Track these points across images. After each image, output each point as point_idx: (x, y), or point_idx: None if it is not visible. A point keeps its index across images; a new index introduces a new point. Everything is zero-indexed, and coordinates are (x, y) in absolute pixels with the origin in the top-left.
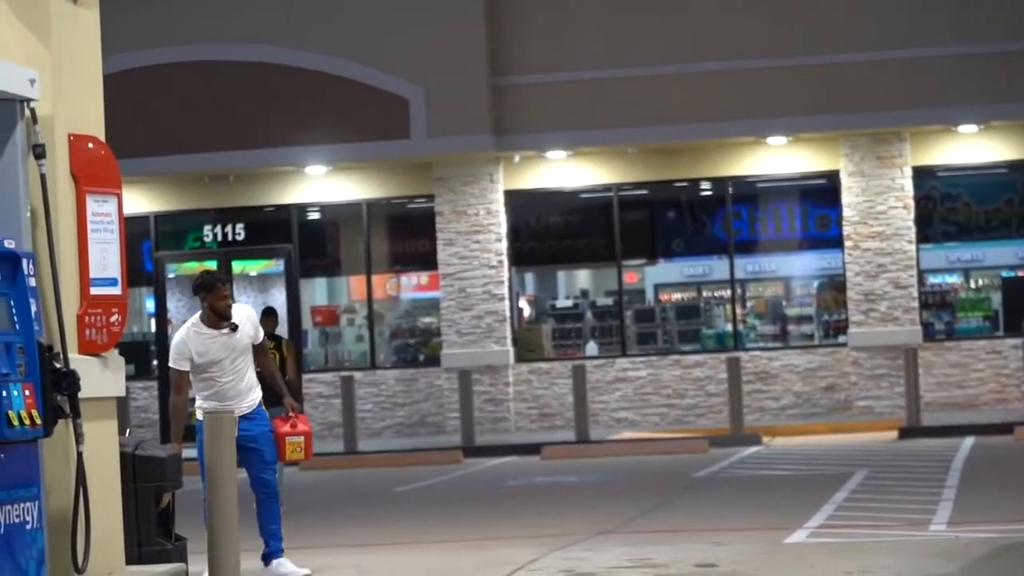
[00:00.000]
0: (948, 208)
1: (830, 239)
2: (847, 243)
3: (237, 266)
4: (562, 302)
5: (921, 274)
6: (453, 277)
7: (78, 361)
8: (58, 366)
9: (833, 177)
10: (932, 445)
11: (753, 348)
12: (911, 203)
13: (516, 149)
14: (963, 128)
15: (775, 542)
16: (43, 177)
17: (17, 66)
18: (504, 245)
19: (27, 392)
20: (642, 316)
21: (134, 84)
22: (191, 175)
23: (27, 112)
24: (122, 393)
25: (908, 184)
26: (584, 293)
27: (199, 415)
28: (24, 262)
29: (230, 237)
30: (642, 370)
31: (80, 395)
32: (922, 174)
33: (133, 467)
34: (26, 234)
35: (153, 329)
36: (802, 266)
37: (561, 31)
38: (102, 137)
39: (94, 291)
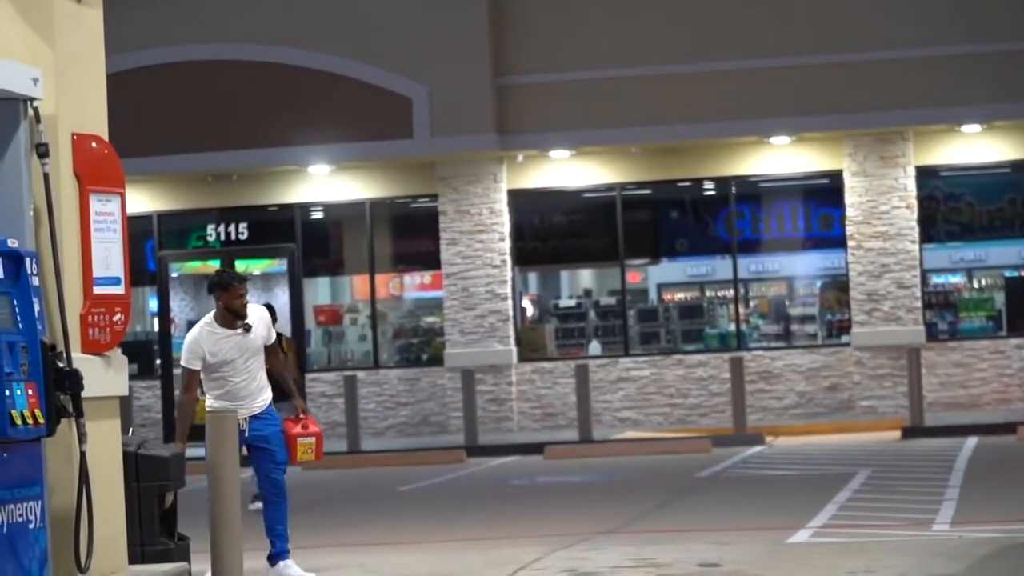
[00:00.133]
0: (951, 208)
1: (833, 239)
2: (850, 243)
3: (240, 265)
4: (565, 301)
5: (924, 274)
6: (456, 277)
7: (81, 360)
8: (61, 365)
9: (836, 177)
10: (935, 445)
11: (756, 348)
12: (914, 203)
13: (519, 148)
14: (966, 128)
15: (778, 542)
16: (46, 176)
17: (21, 65)
18: (507, 244)
19: (30, 391)
20: (645, 316)
21: (137, 83)
22: (194, 174)
23: (30, 111)
24: (125, 392)
25: (911, 184)
26: (587, 292)
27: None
28: (27, 261)
29: (233, 236)
30: (645, 370)
31: (83, 394)
32: (925, 174)
33: (136, 466)
34: (29, 233)
35: (156, 328)
36: (805, 266)
37: (564, 30)
38: (105, 136)
39: (97, 290)
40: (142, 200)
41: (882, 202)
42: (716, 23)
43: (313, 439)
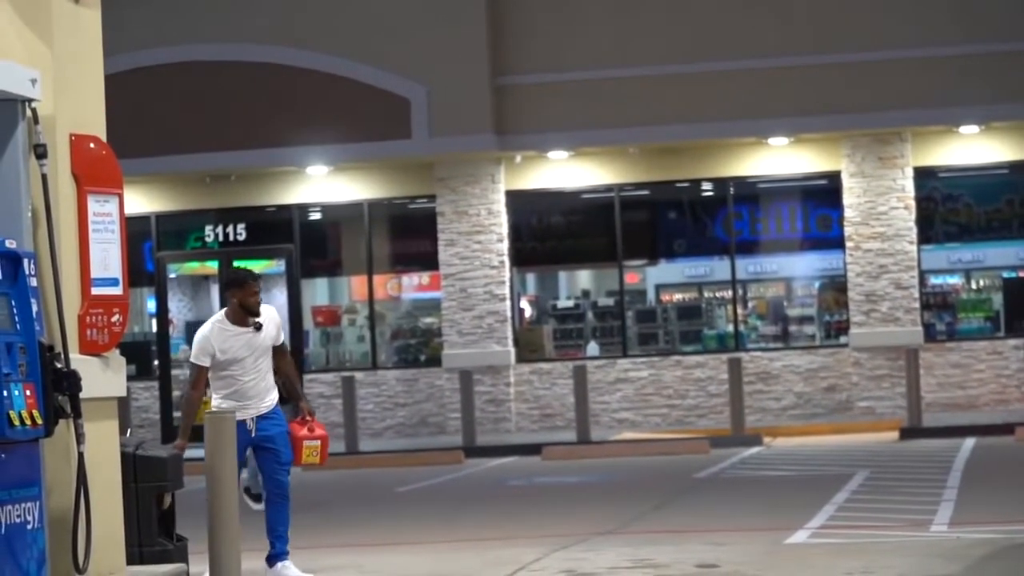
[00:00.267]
0: (949, 209)
1: (831, 240)
2: (848, 244)
3: (238, 266)
4: (563, 302)
5: (922, 275)
6: (454, 277)
7: (79, 361)
8: (59, 366)
9: (834, 178)
10: (933, 446)
11: (754, 349)
12: (912, 204)
13: (518, 149)
14: (964, 129)
15: (776, 542)
16: (44, 177)
17: (19, 66)
18: (505, 245)
19: (28, 392)
20: (643, 316)
21: (135, 84)
22: (192, 175)
23: (28, 112)
24: (123, 393)
25: (909, 185)
26: (585, 293)
27: None
28: (25, 262)
29: (231, 237)
30: (643, 371)
31: (81, 395)
32: (923, 175)
33: (134, 467)
34: (27, 234)
35: (154, 329)
36: (803, 267)
37: (563, 31)
38: (103, 137)
39: (95, 291)
40: (140, 201)
41: (880, 203)
42: (715, 23)
43: (319, 442)
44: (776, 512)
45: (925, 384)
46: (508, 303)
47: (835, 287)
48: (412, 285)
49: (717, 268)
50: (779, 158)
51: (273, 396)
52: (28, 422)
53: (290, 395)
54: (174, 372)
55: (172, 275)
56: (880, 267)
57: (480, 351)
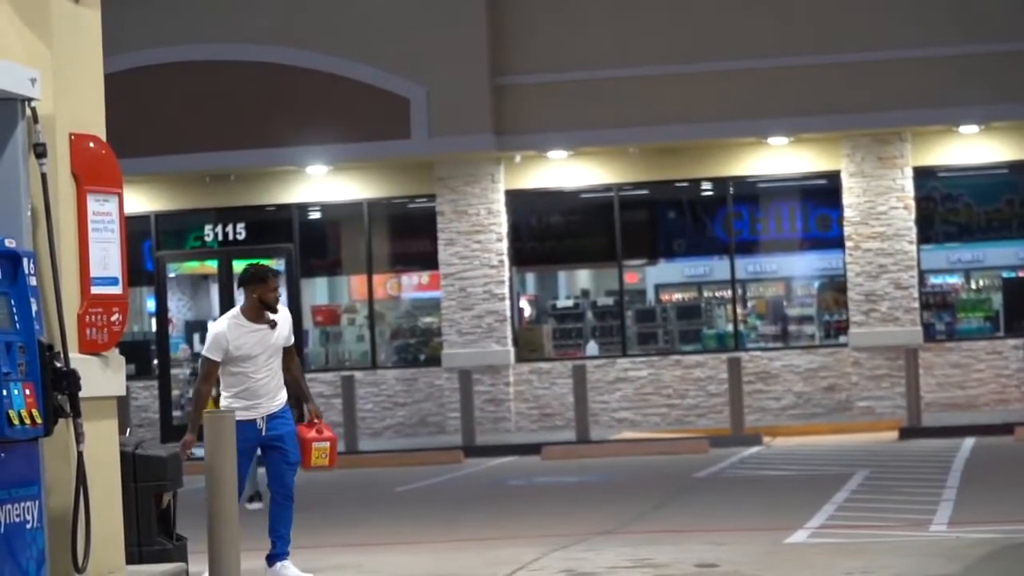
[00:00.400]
0: (949, 209)
1: (831, 239)
2: (848, 243)
3: (238, 266)
4: (563, 302)
5: (922, 275)
6: (454, 277)
7: (79, 360)
8: (59, 365)
9: (834, 177)
10: (932, 445)
11: (754, 348)
12: (912, 203)
13: (517, 149)
14: (964, 128)
15: (776, 542)
16: (44, 176)
17: (18, 65)
18: (505, 245)
19: (27, 391)
20: (643, 316)
21: (135, 83)
22: (192, 175)
23: (28, 111)
24: (123, 392)
25: (909, 184)
26: (585, 293)
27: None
28: (25, 261)
29: (231, 237)
30: (643, 370)
31: (81, 394)
32: (923, 174)
33: (133, 467)
34: (27, 233)
35: (154, 328)
36: (803, 266)
37: (562, 31)
38: (103, 136)
39: (95, 290)
40: (140, 200)
41: (880, 203)
42: (714, 24)
43: (328, 444)
44: (775, 512)
45: (925, 384)
46: (507, 303)
47: (835, 287)
48: (411, 284)
49: (717, 268)
50: (779, 158)
51: (283, 396)
52: (27, 421)
53: (298, 397)
54: (173, 371)
55: (171, 274)
56: (880, 267)
57: (479, 351)
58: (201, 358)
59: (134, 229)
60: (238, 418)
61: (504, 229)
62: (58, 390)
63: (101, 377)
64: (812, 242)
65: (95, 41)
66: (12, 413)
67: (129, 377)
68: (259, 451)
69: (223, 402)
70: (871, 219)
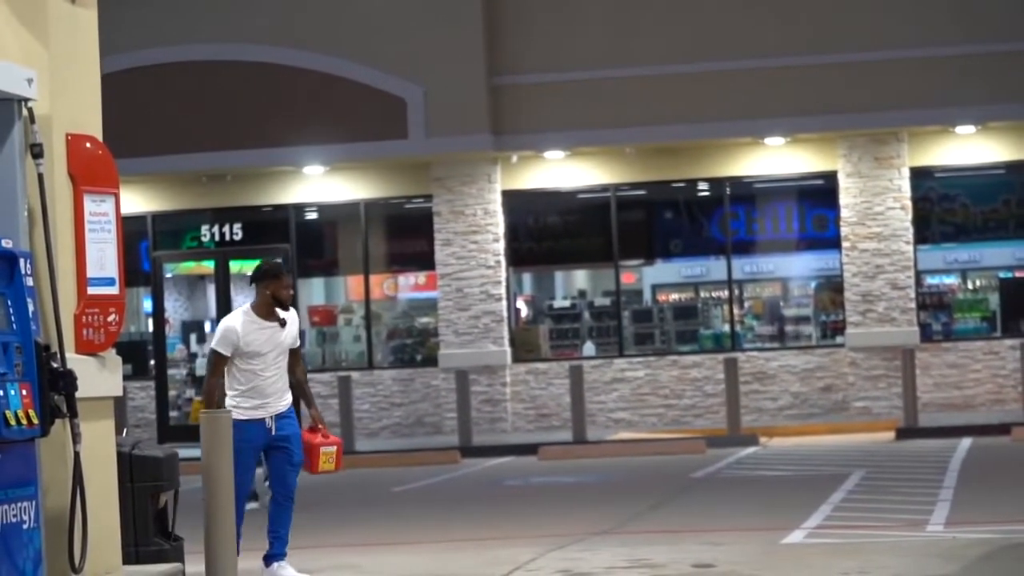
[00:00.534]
0: (946, 209)
1: (828, 240)
2: (845, 244)
3: (235, 266)
4: (559, 302)
5: (919, 275)
6: (451, 277)
7: (75, 361)
8: (55, 366)
9: (831, 178)
10: (929, 446)
11: (751, 349)
12: (909, 204)
13: (514, 149)
14: (961, 129)
15: (772, 542)
16: (40, 177)
17: (15, 65)
18: (502, 245)
19: (24, 392)
20: (639, 316)
21: (132, 84)
22: (189, 175)
23: (25, 111)
24: (119, 393)
25: (906, 185)
26: (582, 293)
27: (233, 414)
28: (21, 261)
29: (228, 237)
30: (639, 370)
31: (77, 395)
32: (920, 175)
33: (130, 467)
34: (23, 233)
35: (150, 329)
36: (800, 267)
37: (559, 31)
38: (100, 137)
39: (91, 291)
40: (136, 200)
41: (876, 203)
42: (712, 24)
43: (334, 448)
44: (772, 512)
45: (921, 384)
46: (504, 303)
47: (831, 287)
48: (408, 285)
49: (713, 268)
50: (775, 158)
51: (289, 397)
52: (24, 422)
53: (303, 401)
54: (170, 372)
55: (168, 275)
56: (876, 267)
57: (476, 351)
58: (209, 351)
59: (131, 229)
60: (247, 417)
61: (501, 229)
62: (55, 390)
63: (98, 377)
64: (809, 242)
65: (92, 41)
66: (9, 413)
67: (126, 377)
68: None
69: (229, 401)
70: (868, 219)
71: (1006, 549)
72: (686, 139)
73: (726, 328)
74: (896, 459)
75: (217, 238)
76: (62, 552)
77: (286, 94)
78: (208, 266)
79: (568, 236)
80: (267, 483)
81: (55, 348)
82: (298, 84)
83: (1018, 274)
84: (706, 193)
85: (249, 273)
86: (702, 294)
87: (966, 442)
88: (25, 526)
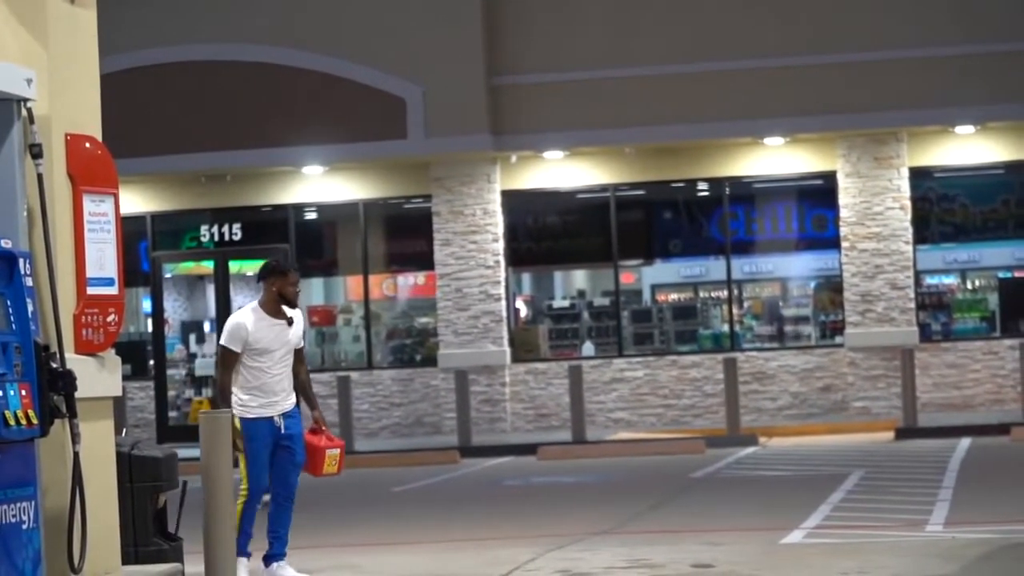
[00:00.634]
0: (945, 209)
1: (827, 240)
2: (844, 244)
3: (234, 266)
4: (559, 302)
5: (918, 275)
6: (450, 277)
7: (75, 361)
8: (55, 366)
9: (830, 178)
10: (929, 446)
11: (750, 349)
12: (908, 204)
13: (513, 149)
14: (960, 129)
15: (772, 542)
16: (40, 177)
17: (14, 65)
18: (501, 245)
19: (24, 392)
20: (639, 316)
21: (131, 84)
22: (188, 175)
23: (24, 112)
24: (119, 393)
25: (905, 185)
26: (581, 293)
27: (241, 412)
28: (21, 262)
29: (227, 237)
30: (639, 370)
31: (77, 395)
32: (919, 175)
33: (129, 467)
34: (23, 233)
35: (150, 329)
36: (799, 267)
37: (559, 31)
38: (99, 137)
39: (91, 291)
40: (136, 200)
41: (876, 203)
42: (711, 24)
43: (338, 451)
44: (772, 512)
45: (921, 384)
46: (504, 303)
47: (831, 287)
48: (407, 285)
49: (713, 268)
50: (775, 158)
51: (294, 396)
52: (24, 422)
53: (306, 402)
54: (169, 372)
55: (168, 275)
56: (876, 267)
57: (476, 351)
58: (220, 349)
59: (130, 229)
60: (255, 416)
61: (500, 229)
62: (54, 391)
63: (97, 377)
64: (808, 242)
65: (91, 41)
66: (8, 414)
67: (125, 377)
68: None
69: (236, 400)
70: (867, 219)
71: (1005, 549)
72: (685, 139)
73: (725, 328)
74: (895, 459)
75: (216, 238)
76: (61, 552)
77: (285, 94)
78: (207, 266)
79: (567, 236)
80: None
81: (54, 348)
82: (297, 84)
83: (1017, 274)
84: (705, 193)
85: (249, 273)
86: (701, 294)
87: (965, 442)
88: (24, 526)
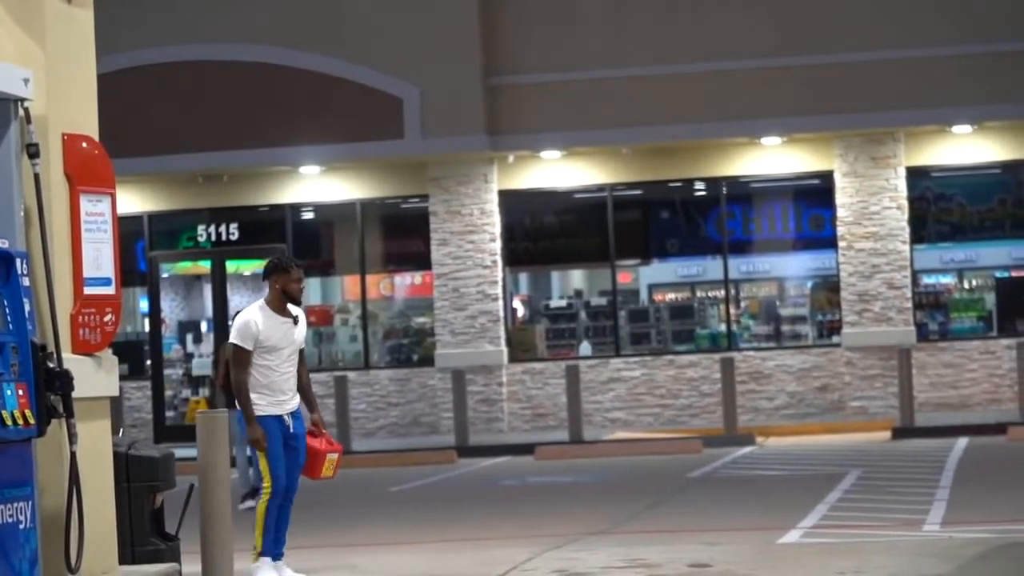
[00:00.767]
0: (942, 208)
1: (824, 239)
2: (841, 243)
3: (231, 266)
4: (556, 302)
5: (915, 274)
6: (447, 277)
7: (72, 361)
8: (52, 366)
9: (827, 177)
10: (925, 445)
11: (747, 348)
12: (905, 203)
13: (510, 149)
14: (957, 128)
15: (769, 542)
16: (37, 177)
17: (11, 65)
18: (498, 245)
19: (21, 392)
20: (636, 316)
21: (128, 83)
22: (185, 175)
23: (21, 111)
24: (116, 393)
25: (902, 184)
26: (578, 293)
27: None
28: (18, 261)
29: (224, 237)
30: (636, 370)
31: (74, 395)
32: (916, 174)
33: (126, 467)
34: (20, 233)
35: (147, 329)
36: (796, 266)
37: (556, 31)
38: (96, 136)
39: (88, 291)
40: (132, 200)
41: (873, 203)
42: (708, 24)
43: (336, 455)
44: (769, 512)
45: (918, 384)
46: (501, 303)
47: (828, 287)
48: (405, 285)
49: (710, 268)
50: (772, 158)
51: (299, 397)
52: (21, 422)
53: (305, 404)
54: (166, 372)
55: (165, 275)
56: (873, 267)
57: (473, 351)
58: (232, 349)
59: (127, 229)
60: (265, 413)
61: (497, 229)
62: (51, 390)
63: (94, 377)
64: (805, 242)
65: (88, 41)
66: (5, 413)
67: (122, 377)
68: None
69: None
70: (864, 219)
71: (1002, 549)
72: (682, 139)
73: (722, 328)
74: (892, 459)
75: (213, 238)
76: (58, 552)
77: (282, 94)
78: (204, 266)
79: (564, 236)
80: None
81: (51, 348)
82: (294, 84)
83: (1014, 273)
84: (702, 193)
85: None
86: (698, 294)
87: (962, 442)
88: (21, 526)
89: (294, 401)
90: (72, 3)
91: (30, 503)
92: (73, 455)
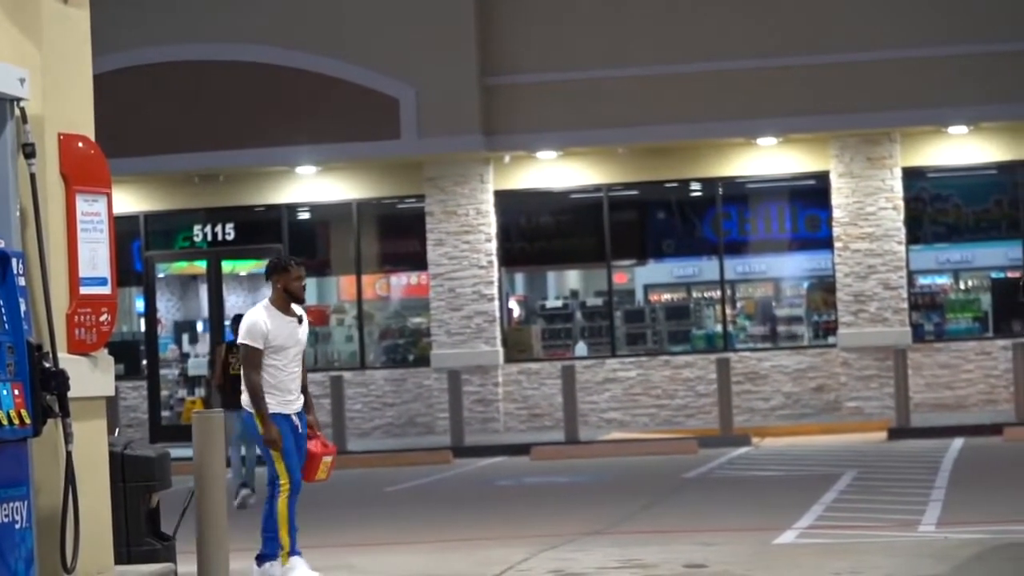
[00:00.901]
0: (938, 209)
1: (820, 240)
2: (837, 244)
3: (227, 266)
4: (552, 302)
5: (911, 275)
6: (443, 277)
7: (67, 360)
8: (47, 365)
9: (823, 178)
10: (921, 446)
11: (743, 349)
12: (901, 204)
13: (506, 149)
14: (953, 129)
15: (764, 543)
16: (32, 176)
17: (7, 65)
18: (494, 245)
19: (16, 391)
20: (632, 316)
21: (124, 83)
22: (181, 175)
23: (17, 111)
24: (111, 393)
25: (898, 185)
26: (574, 293)
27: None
28: (13, 261)
29: (220, 237)
30: (632, 371)
31: (69, 394)
32: (912, 175)
33: (122, 467)
34: (16, 233)
35: (143, 329)
36: (792, 267)
37: (552, 31)
38: (92, 136)
39: (84, 290)
40: (129, 200)
41: (869, 203)
42: (704, 24)
43: (331, 458)
44: (764, 512)
45: (913, 384)
46: (496, 303)
47: (823, 287)
48: (401, 285)
49: (706, 268)
50: (768, 158)
51: (302, 397)
52: (16, 421)
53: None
54: (162, 372)
55: (161, 275)
56: (868, 267)
57: (468, 351)
58: (242, 349)
59: (123, 229)
60: (275, 412)
61: (493, 229)
62: (47, 390)
63: (90, 377)
64: (801, 242)
65: (84, 41)
66: (1, 413)
67: (118, 377)
68: (257, 447)
69: (245, 399)
70: (860, 220)
71: (998, 549)
72: (678, 139)
73: (718, 328)
74: (888, 459)
75: (209, 238)
76: (54, 552)
77: (278, 94)
78: (200, 266)
79: (560, 236)
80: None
81: (47, 348)
82: (290, 84)
83: (1010, 274)
84: (698, 193)
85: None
86: (694, 294)
87: (958, 442)
88: (17, 526)
89: (299, 402)
90: (68, 3)
91: (26, 503)
92: (69, 455)
